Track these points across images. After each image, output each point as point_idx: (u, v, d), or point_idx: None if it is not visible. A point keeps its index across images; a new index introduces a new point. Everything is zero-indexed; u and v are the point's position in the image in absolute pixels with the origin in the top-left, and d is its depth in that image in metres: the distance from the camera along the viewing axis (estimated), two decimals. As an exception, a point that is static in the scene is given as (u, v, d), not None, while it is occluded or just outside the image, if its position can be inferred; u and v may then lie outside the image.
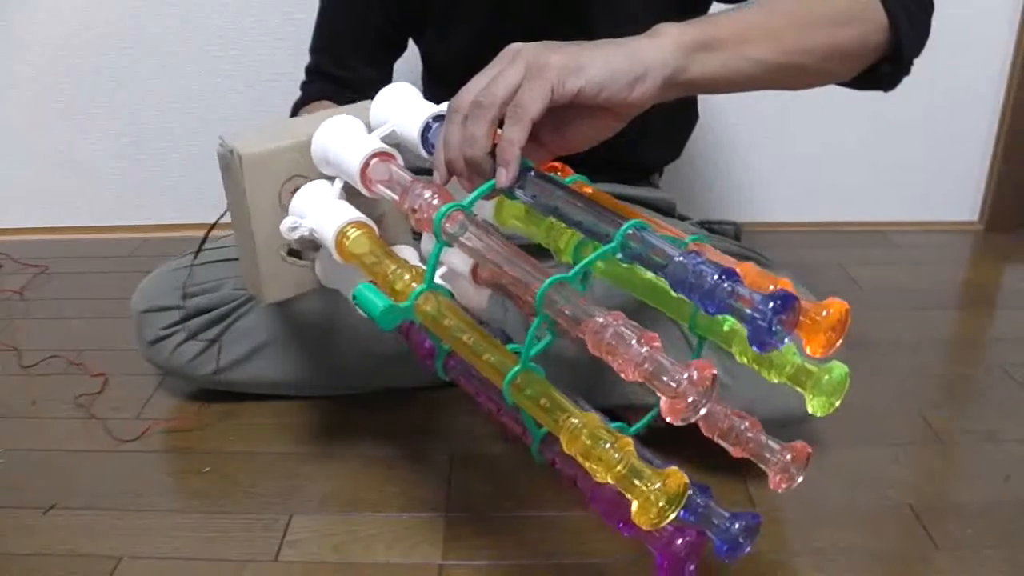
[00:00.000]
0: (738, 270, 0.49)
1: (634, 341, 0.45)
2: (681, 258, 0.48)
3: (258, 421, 0.95)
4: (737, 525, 0.53)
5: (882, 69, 0.72)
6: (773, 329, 0.44)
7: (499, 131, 0.57)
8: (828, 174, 1.47)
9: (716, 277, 0.46)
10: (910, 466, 0.88)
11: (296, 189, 0.68)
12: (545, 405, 0.52)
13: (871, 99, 1.39)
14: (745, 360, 0.52)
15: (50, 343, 1.11)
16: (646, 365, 0.45)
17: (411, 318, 0.57)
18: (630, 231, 0.51)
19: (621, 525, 0.53)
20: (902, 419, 0.95)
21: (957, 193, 1.49)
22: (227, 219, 0.79)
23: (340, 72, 0.98)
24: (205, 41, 1.37)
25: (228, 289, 0.92)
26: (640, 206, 1.00)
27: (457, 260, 0.64)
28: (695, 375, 0.44)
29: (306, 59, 1.02)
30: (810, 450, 0.54)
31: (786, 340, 0.47)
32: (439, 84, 1.04)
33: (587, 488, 0.55)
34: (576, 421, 0.49)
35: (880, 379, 1.03)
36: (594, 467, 0.47)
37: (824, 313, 0.48)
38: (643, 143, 0.98)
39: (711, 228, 0.99)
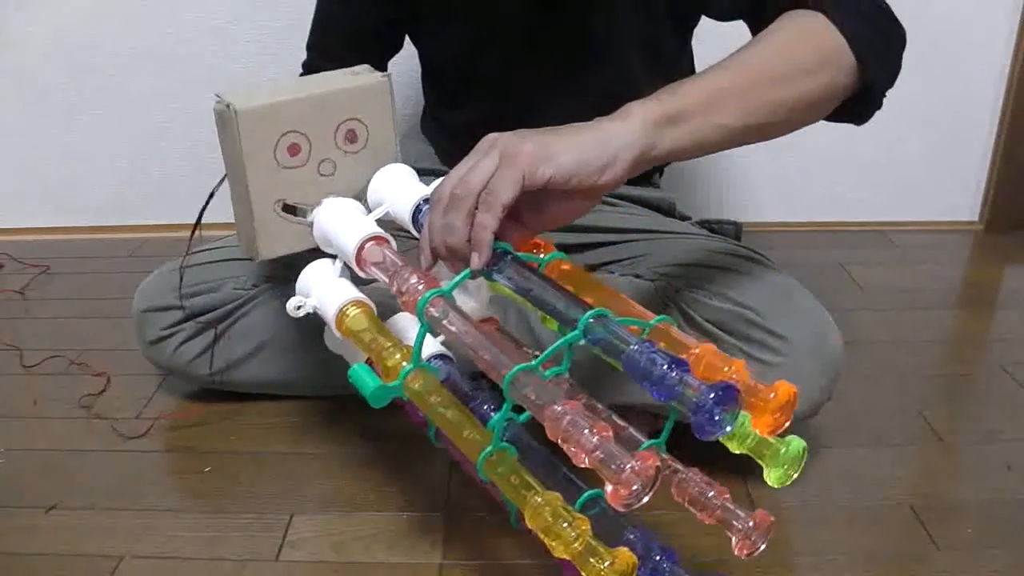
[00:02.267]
0: (696, 351, 0.54)
1: (586, 431, 0.50)
2: (635, 347, 0.52)
3: (258, 421, 0.95)
4: None
5: (853, 107, 0.72)
6: (715, 418, 0.48)
7: None
8: (828, 174, 1.47)
9: (665, 367, 0.50)
10: (910, 466, 0.88)
11: (291, 145, 0.70)
12: (514, 482, 0.57)
13: (871, 99, 1.39)
14: None
15: (51, 343, 1.11)
16: (597, 452, 0.49)
17: (400, 396, 0.62)
18: (592, 319, 0.56)
19: None
20: (902, 419, 0.95)
21: (957, 193, 1.49)
22: (218, 220, 0.79)
23: (335, 68, 0.98)
24: (205, 41, 1.37)
25: (228, 289, 0.92)
26: (639, 205, 1.00)
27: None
28: (637, 465, 0.48)
29: (303, 58, 1.02)
30: (772, 519, 0.57)
31: (728, 429, 0.51)
32: (435, 84, 1.04)
33: (560, 559, 0.58)
34: (539, 500, 0.54)
35: (880, 379, 1.03)
36: (553, 543, 0.52)
37: (771, 396, 0.52)
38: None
39: (711, 228, 0.99)
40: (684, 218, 1.02)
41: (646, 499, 0.50)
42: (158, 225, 1.48)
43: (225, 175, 0.75)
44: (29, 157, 1.46)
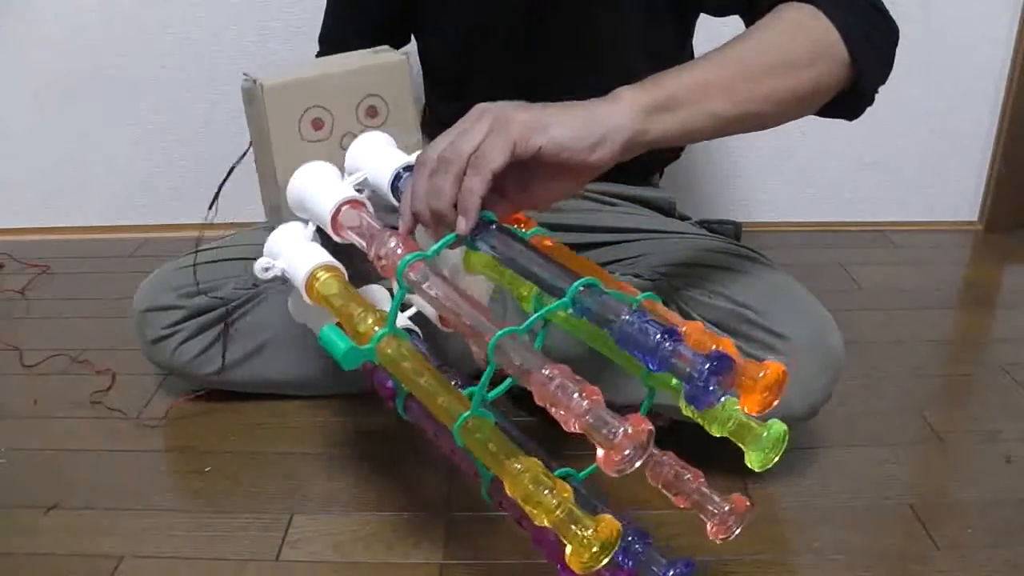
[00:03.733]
0: (683, 329, 0.53)
1: (576, 395, 0.48)
2: (627, 316, 0.51)
3: (259, 421, 0.95)
4: (672, 572, 0.55)
5: (845, 102, 0.72)
6: (709, 388, 0.48)
7: None
8: (828, 174, 1.47)
9: (659, 336, 0.49)
10: (910, 466, 0.88)
11: (315, 120, 0.71)
12: (492, 449, 0.55)
13: (871, 99, 1.39)
14: (690, 414, 0.55)
15: (52, 343, 1.11)
16: (587, 417, 0.48)
17: (372, 359, 0.60)
18: (581, 288, 0.54)
19: (561, 567, 0.55)
20: (902, 419, 0.96)
21: (957, 193, 1.49)
22: (219, 219, 0.79)
23: None
24: (206, 41, 1.37)
25: (230, 288, 0.92)
26: (639, 205, 1.00)
27: (425, 303, 0.66)
28: (630, 429, 0.46)
29: (306, 57, 1.02)
30: (749, 503, 0.56)
31: (723, 399, 0.50)
32: (435, 78, 1.04)
33: (532, 530, 0.58)
34: (519, 466, 0.52)
35: (880, 379, 1.03)
36: (533, 511, 0.51)
37: (761, 374, 0.51)
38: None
39: (711, 228, 0.99)
40: (684, 218, 1.02)
41: (639, 463, 0.49)
42: (158, 225, 1.48)
43: (244, 153, 0.76)
44: (29, 157, 1.46)
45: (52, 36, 1.37)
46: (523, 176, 0.61)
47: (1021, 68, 1.38)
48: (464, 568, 0.74)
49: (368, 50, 0.75)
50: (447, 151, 0.59)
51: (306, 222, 0.70)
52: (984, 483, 0.85)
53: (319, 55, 1.02)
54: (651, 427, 0.48)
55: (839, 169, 1.46)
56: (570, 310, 0.55)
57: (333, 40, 1.01)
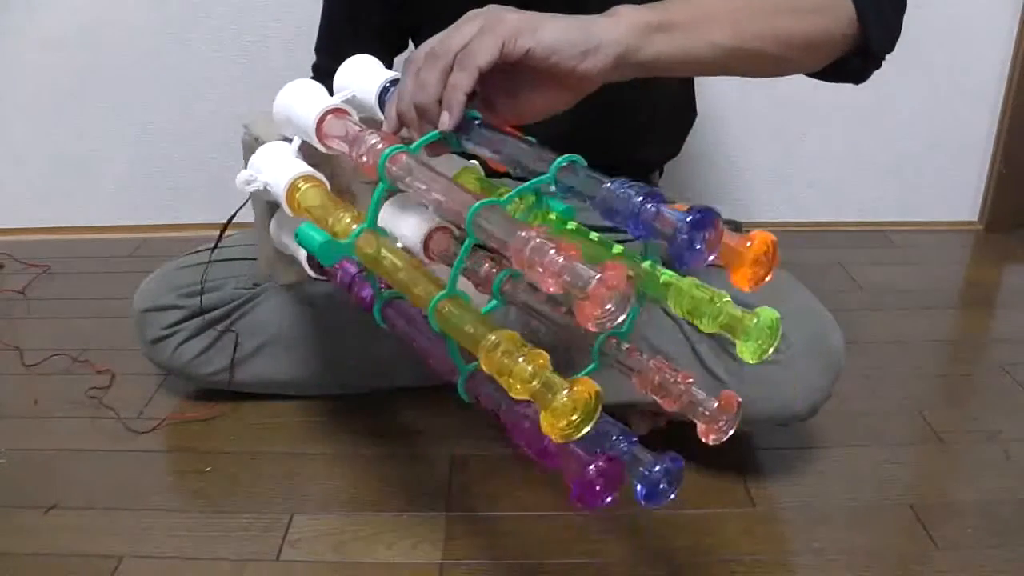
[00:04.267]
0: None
1: (552, 251, 0.45)
2: (609, 184, 0.49)
3: (259, 421, 0.95)
4: (658, 467, 0.53)
5: (851, 63, 0.72)
6: (695, 246, 0.45)
7: None
8: (828, 174, 1.47)
9: (640, 199, 0.47)
10: (910, 466, 0.88)
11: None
12: (468, 330, 0.52)
13: (871, 99, 1.40)
14: (680, 311, 0.52)
15: (52, 343, 1.11)
16: (564, 275, 0.45)
17: (350, 255, 0.58)
18: (564, 163, 0.53)
19: (539, 455, 0.53)
20: (902, 419, 0.96)
21: (957, 193, 1.49)
22: (218, 220, 0.79)
23: None
24: (206, 41, 1.37)
25: (229, 289, 0.93)
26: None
27: (408, 231, 0.65)
28: (608, 275, 0.43)
29: (306, 59, 1.02)
30: (739, 400, 0.54)
31: (709, 258, 0.47)
32: None
33: (507, 420, 0.56)
34: (493, 337, 0.49)
35: (880, 379, 1.03)
36: (509, 381, 0.47)
37: (747, 244, 0.48)
38: (643, 139, 0.98)
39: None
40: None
41: (621, 318, 0.45)
42: (158, 225, 1.48)
43: (244, 203, 0.76)
44: (29, 157, 1.46)
45: (52, 36, 1.37)
46: (511, 85, 0.60)
47: (1021, 68, 1.38)
48: (464, 568, 0.74)
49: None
50: (435, 47, 0.58)
51: (290, 141, 0.69)
52: (984, 483, 0.85)
53: (315, 65, 1.02)
54: (630, 272, 0.45)
55: (839, 169, 1.46)
56: (553, 187, 0.53)
57: (329, 50, 1.00)
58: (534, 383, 0.47)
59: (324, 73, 1.02)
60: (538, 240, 0.46)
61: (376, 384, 0.97)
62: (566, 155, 0.53)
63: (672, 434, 0.83)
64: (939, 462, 0.90)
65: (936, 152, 1.45)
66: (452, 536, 0.78)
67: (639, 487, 0.53)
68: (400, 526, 0.79)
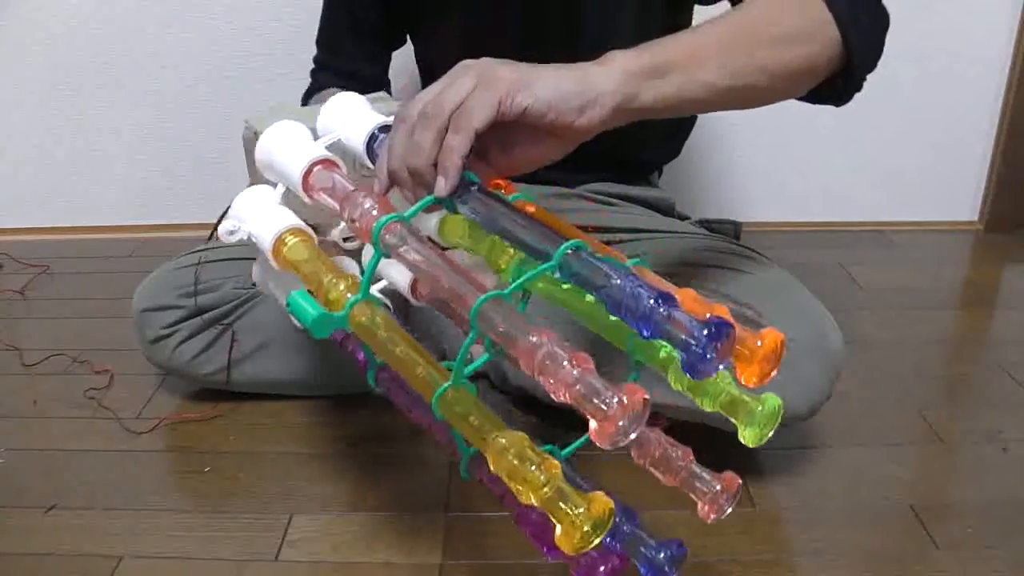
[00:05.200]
0: (677, 296, 0.49)
1: (566, 362, 0.45)
2: (619, 280, 0.48)
3: (258, 421, 0.95)
4: (663, 554, 0.53)
5: (835, 85, 0.72)
6: (707, 356, 0.44)
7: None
8: (828, 174, 1.47)
9: (652, 301, 0.45)
10: (910, 466, 0.88)
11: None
12: (474, 423, 0.51)
13: (871, 99, 1.39)
14: (680, 387, 0.52)
15: (51, 343, 1.11)
16: (577, 387, 0.44)
17: (344, 327, 0.56)
18: (569, 251, 0.51)
19: (547, 549, 0.53)
20: (902, 419, 0.95)
21: (957, 193, 1.49)
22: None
23: (340, 64, 1.01)
24: (206, 41, 1.37)
25: (229, 288, 0.93)
26: (639, 205, 1.00)
27: (396, 275, 0.64)
28: (625, 399, 0.43)
29: (305, 60, 1.03)
30: (740, 482, 0.54)
31: (720, 367, 0.46)
32: (432, 81, 1.04)
33: (515, 509, 0.55)
34: (504, 441, 0.48)
35: (880, 379, 1.03)
36: (520, 488, 0.47)
37: (758, 344, 0.48)
38: (643, 142, 0.98)
39: (711, 227, 0.99)
40: (683, 218, 1.02)
41: (633, 435, 0.45)
42: (158, 225, 1.48)
43: (228, 207, 0.75)
44: (29, 157, 1.46)
45: (52, 36, 1.37)
46: (506, 138, 0.59)
47: (1021, 68, 1.38)
48: (464, 568, 0.74)
49: (370, 96, 0.71)
50: (428, 107, 0.56)
51: (275, 185, 0.66)
52: (984, 483, 0.85)
53: (316, 58, 1.03)
54: (646, 395, 0.45)
55: (839, 169, 1.46)
56: (556, 274, 0.51)
57: (330, 46, 1.02)
58: (546, 491, 0.46)
59: (323, 66, 1.03)
60: (550, 348, 0.46)
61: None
62: (571, 241, 0.51)
63: (673, 434, 0.83)
64: (939, 462, 0.90)
65: (936, 152, 1.45)
66: (452, 536, 0.78)
67: (644, 570, 0.54)
68: (400, 526, 0.79)
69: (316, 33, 1.02)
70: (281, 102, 0.78)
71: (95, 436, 0.93)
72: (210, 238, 0.85)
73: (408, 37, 1.03)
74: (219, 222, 0.78)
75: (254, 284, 0.92)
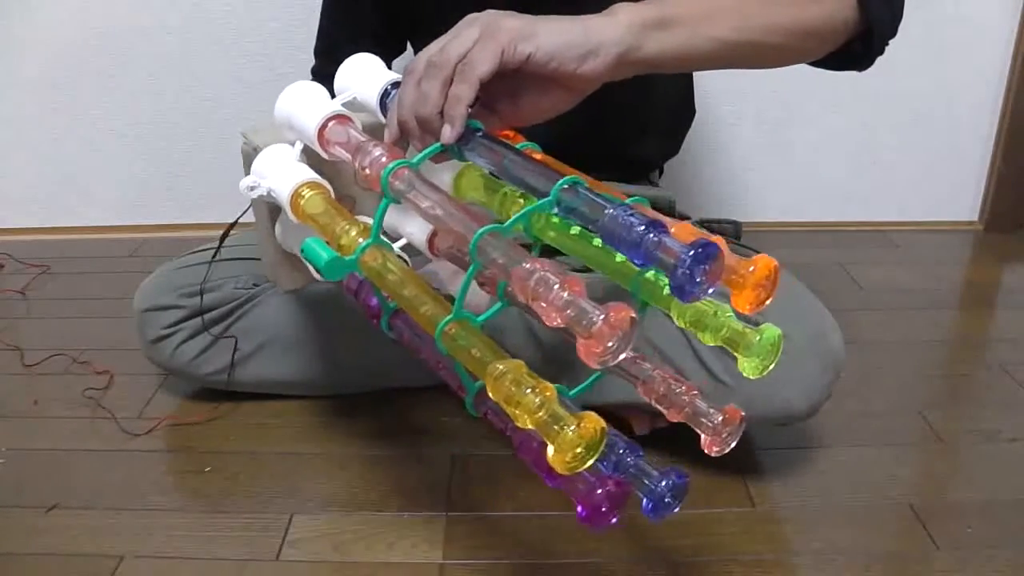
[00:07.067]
0: (673, 228, 0.49)
1: (556, 286, 0.46)
2: (611, 210, 0.49)
3: (258, 421, 0.95)
4: (664, 483, 0.54)
5: (854, 49, 0.71)
6: (695, 278, 0.45)
7: None
8: (828, 174, 1.47)
9: (642, 227, 0.47)
10: (910, 466, 0.88)
11: None
12: (475, 355, 0.53)
13: (871, 99, 1.40)
14: (683, 323, 0.53)
15: (52, 342, 1.11)
16: (568, 310, 0.45)
17: (355, 271, 0.59)
18: (566, 186, 0.52)
19: (546, 476, 0.54)
20: (902, 419, 0.95)
21: (957, 193, 1.49)
22: (217, 220, 0.79)
23: None
24: (206, 42, 1.37)
25: (229, 289, 0.93)
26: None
27: (414, 230, 0.65)
28: (612, 316, 0.44)
29: (305, 60, 1.02)
30: (742, 414, 0.54)
31: (710, 291, 0.47)
32: None
33: (516, 438, 0.57)
34: (501, 367, 0.50)
35: (880, 379, 1.03)
36: (516, 412, 0.48)
37: (751, 268, 0.48)
38: (641, 137, 0.98)
39: (711, 227, 0.99)
40: (684, 218, 1.02)
41: (623, 356, 0.46)
42: (158, 225, 1.48)
43: (245, 210, 0.76)
44: (29, 157, 1.46)
45: (51, 36, 1.37)
46: (513, 89, 0.60)
47: (1021, 68, 1.38)
48: (464, 568, 0.74)
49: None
50: (434, 57, 0.58)
51: (293, 144, 0.68)
52: (984, 483, 0.85)
53: (315, 69, 1.02)
54: (633, 314, 0.46)
55: (839, 169, 1.46)
56: (555, 210, 0.53)
57: (328, 53, 1.00)
58: (540, 414, 0.47)
59: (323, 77, 1.02)
60: (542, 273, 0.47)
61: (376, 384, 0.97)
62: (568, 176, 0.53)
63: (673, 434, 0.83)
64: (939, 462, 0.90)
65: (936, 152, 1.45)
66: (452, 536, 0.78)
67: (645, 501, 0.54)
68: (400, 526, 0.79)
69: (314, 40, 1.01)
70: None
71: (96, 436, 0.93)
72: (220, 243, 0.85)
73: (408, 44, 1.02)
74: (228, 229, 0.78)
75: (255, 284, 0.93)
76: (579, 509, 0.54)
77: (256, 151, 0.69)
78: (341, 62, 0.80)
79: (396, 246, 0.65)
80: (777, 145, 1.44)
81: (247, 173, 0.70)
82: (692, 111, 1.08)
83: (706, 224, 1.00)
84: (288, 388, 0.97)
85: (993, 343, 1.15)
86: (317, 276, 0.74)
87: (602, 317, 0.44)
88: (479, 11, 0.82)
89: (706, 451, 0.55)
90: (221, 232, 0.89)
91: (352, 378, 0.96)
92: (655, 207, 1.01)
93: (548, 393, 0.48)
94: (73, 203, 1.49)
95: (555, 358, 0.84)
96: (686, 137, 1.09)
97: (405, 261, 0.65)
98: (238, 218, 0.80)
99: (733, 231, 1.00)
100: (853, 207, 1.48)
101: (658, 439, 0.84)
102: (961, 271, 1.38)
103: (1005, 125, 1.42)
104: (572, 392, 0.59)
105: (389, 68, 1.02)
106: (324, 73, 1.01)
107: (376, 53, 1.01)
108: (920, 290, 1.27)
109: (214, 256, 0.89)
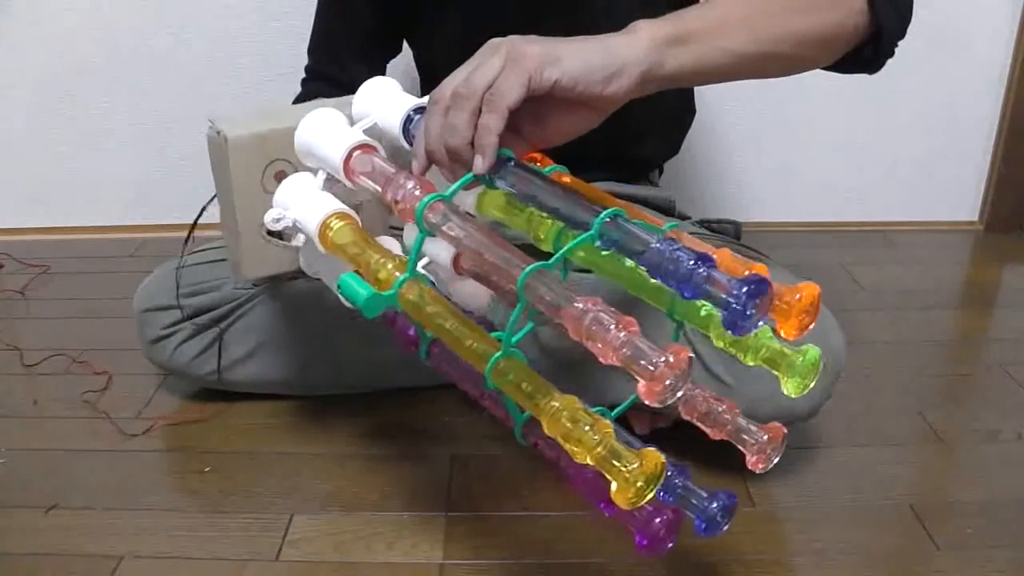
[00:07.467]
0: (714, 256, 0.50)
1: (613, 327, 0.47)
2: (658, 244, 0.49)
3: (258, 421, 0.95)
4: (715, 504, 0.55)
5: (864, 52, 0.71)
6: (748, 313, 0.45)
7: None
8: (828, 174, 1.47)
9: (692, 263, 0.47)
10: (910, 466, 0.88)
11: (278, 172, 0.70)
12: (527, 389, 0.53)
13: (871, 99, 1.40)
14: (722, 344, 0.54)
15: (52, 343, 1.11)
16: (624, 350, 0.46)
17: (395, 306, 0.58)
18: (608, 219, 0.52)
19: (603, 505, 0.55)
20: (902, 419, 0.96)
21: (957, 193, 1.49)
22: (216, 220, 0.79)
23: (335, 72, 0.99)
24: (205, 42, 1.37)
25: (228, 288, 0.92)
26: (640, 205, 1.00)
27: (439, 251, 0.65)
28: (671, 358, 0.45)
29: (305, 60, 1.02)
30: (785, 431, 0.56)
31: (760, 324, 0.48)
32: (431, 86, 1.04)
33: (569, 470, 0.57)
34: (556, 404, 0.51)
35: (880, 379, 1.03)
36: (574, 449, 0.49)
37: (797, 297, 0.49)
38: (642, 138, 0.98)
39: (711, 227, 0.99)
40: (684, 218, 1.02)
41: (680, 393, 0.47)
42: (158, 225, 1.48)
43: (212, 198, 0.76)
44: (29, 157, 1.46)
45: (51, 36, 1.37)
46: (538, 111, 0.60)
47: (1021, 68, 1.38)
48: (464, 568, 0.74)
49: (342, 99, 0.73)
50: (461, 87, 0.58)
51: (315, 172, 0.68)
52: (984, 483, 0.85)
53: (308, 68, 1.02)
54: (691, 354, 0.47)
55: (839, 169, 1.46)
56: (597, 243, 0.53)
57: (322, 53, 1.00)
58: (599, 450, 0.49)
59: (315, 74, 1.02)
60: (596, 313, 0.48)
61: (375, 384, 0.97)
62: (610, 209, 0.53)
63: (674, 434, 0.83)
64: (939, 462, 0.90)
65: (936, 152, 1.45)
66: (452, 536, 0.78)
67: (698, 521, 0.56)
68: (400, 526, 0.79)
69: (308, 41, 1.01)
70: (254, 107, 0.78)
71: (95, 436, 0.93)
72: (188, 235, 0.85)
73: (405, 43, 1.02)
74: (195, 221, 0.78)
75: (254, 285, 0.93)
76: (638, 538, 0.55)
77: (221, 136, 0.68)
78: (337, 61, 0.80)
79: (420, 264, 0.65)
80: (777, 145, 1.44)
81: (212, 157, 0.70)
82: (692, 111, 1.08)
83: (706, 224, 1.00)
84: (288, 388, 0.97)
85: (993, 343, 1.15)
86: (280, 269, 0.74)
87: (663, 360, 0.45)
88: (478, 11, 0.83)
89: (752, 468, 0.56)
90: (218, 233, 0.89)
91: (351, 378, 0.96)
92: (655, 207, 1.03)
93: (606, 430, 0.49)
94: (73, 203, 1.49)
95: (562, 362, 0.84)
96: (686, 137, 1.09)
97: (432, 282, 0.65)
98: (200, 213, 0.80)
99: (733, 231, 1.00)
100: (853, 207, 1.49)
101: (658, 439, 0.84)
102: (961, 271, 1.38)
103: (1005, 125, 1.42)
104: (614, 413, 0.60)
105: (384, 71, 1.03)
106: (319, 71, 1.02)
107: (372, 51, 1.01)
108: (920, 290, 1.27)
109: (184, 247, 0.87)
